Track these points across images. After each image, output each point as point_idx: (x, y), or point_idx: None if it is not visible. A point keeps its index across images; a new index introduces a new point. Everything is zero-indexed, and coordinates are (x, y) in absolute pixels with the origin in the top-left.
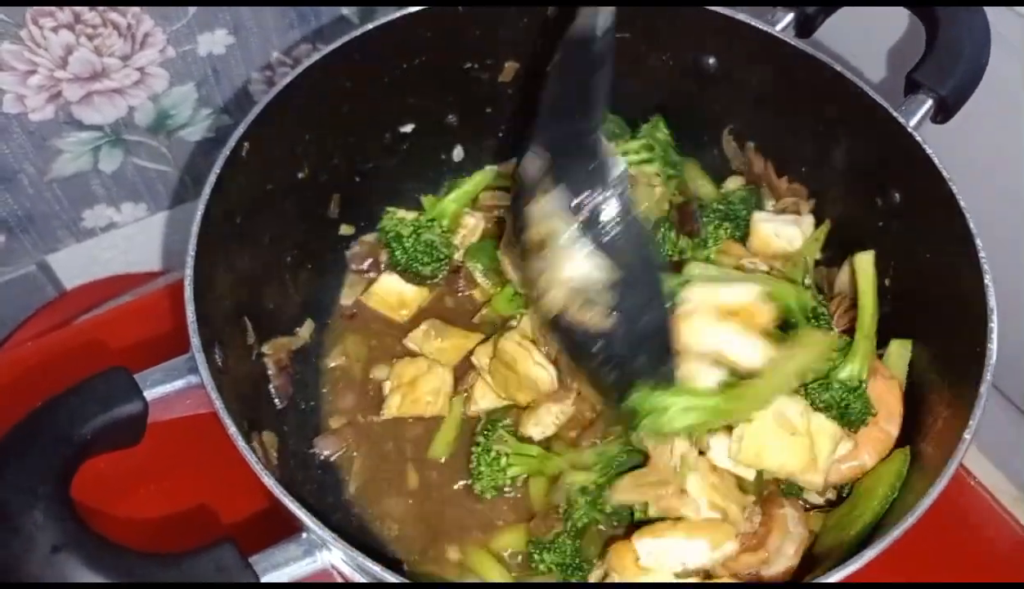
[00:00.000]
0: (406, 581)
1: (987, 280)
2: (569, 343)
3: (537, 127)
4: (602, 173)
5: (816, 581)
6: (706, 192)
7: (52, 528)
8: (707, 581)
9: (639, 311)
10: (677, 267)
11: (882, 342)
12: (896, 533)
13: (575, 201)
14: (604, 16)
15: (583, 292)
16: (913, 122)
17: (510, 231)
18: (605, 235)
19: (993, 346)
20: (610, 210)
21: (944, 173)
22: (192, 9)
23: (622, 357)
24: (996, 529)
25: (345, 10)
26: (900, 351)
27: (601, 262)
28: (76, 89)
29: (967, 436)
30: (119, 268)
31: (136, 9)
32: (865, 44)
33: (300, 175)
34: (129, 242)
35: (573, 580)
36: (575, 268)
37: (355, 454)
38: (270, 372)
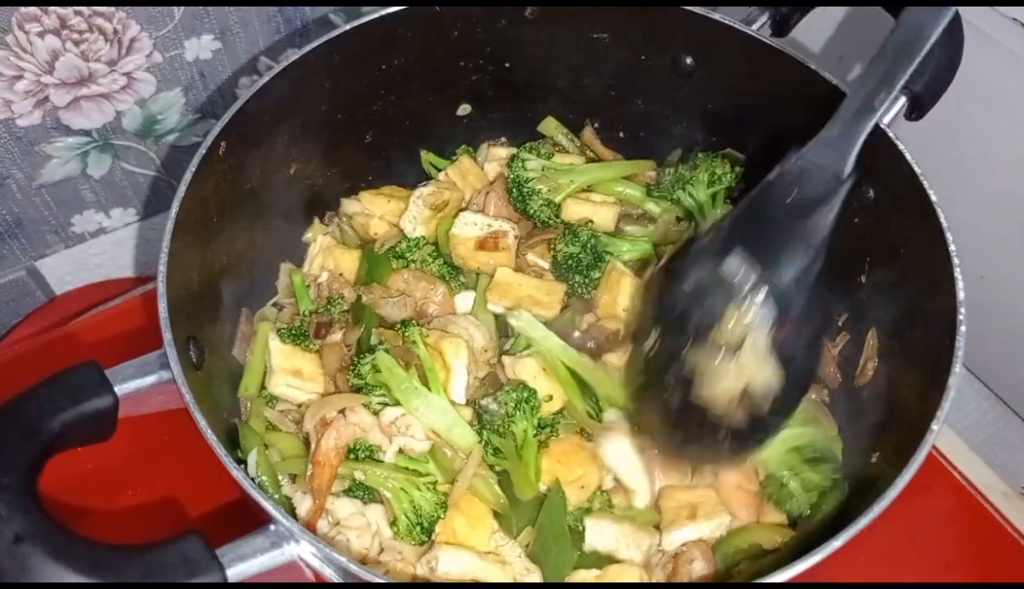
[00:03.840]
0: (375, 575)
1: (957, 273)
2: (687, 418)
3: (760, 238)
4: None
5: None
6: None
7: (16, 519)
8: (706, 581)
9: (775, 416)
10: None
11: (858, 335)
12: (865, 521)
13: (779, 313)
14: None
15: (750, 395)
16: (887, 119)
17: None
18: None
19: (962, 339)
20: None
21: (917, 169)
22: (178, 14)
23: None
24: (985, 526)
25: (331, 14)
26: None
27: (779, 373)
28: (63, 94)
29: (935, 427)
30: (109, 273)
31: (122, 14)
32: (839, 41)
33: (279, 175)
34: (119, 247)
35: None
36: (759, 374)
37: None
38: None
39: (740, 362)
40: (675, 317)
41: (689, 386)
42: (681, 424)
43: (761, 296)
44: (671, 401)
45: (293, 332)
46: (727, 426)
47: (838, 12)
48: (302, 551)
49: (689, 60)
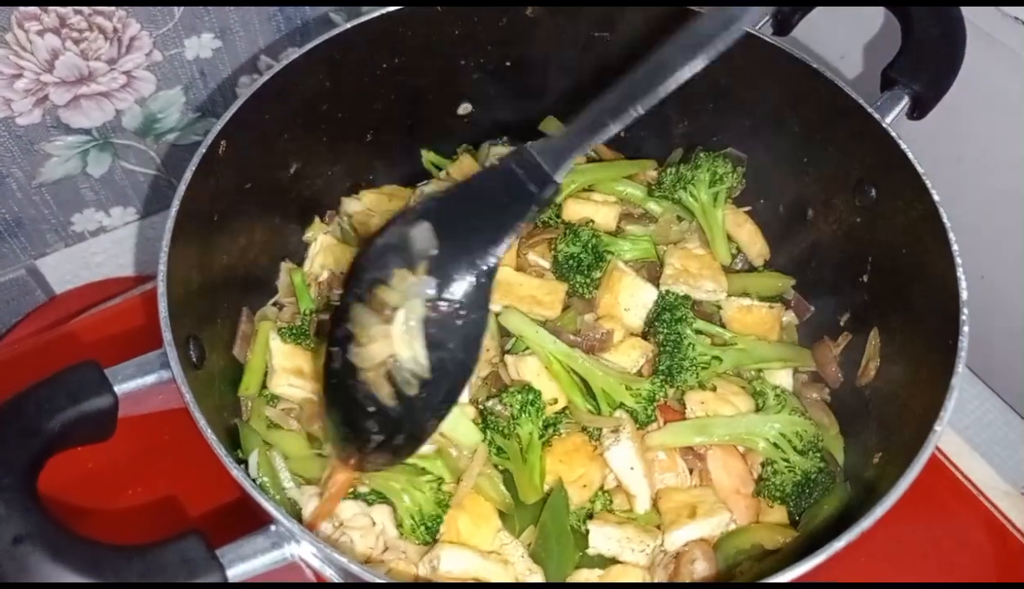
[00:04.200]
0: (376, 575)
1: (959, 273)
2: (351, 395)
3: (450, 210)
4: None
5: (785, 578)
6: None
7: (15, 519)
8: (708, 581)
9: (419, 412)
10: None
11: (861, 335)
12: (867, 522)
13: (441, 294)
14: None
15: (399, 369)
16: (889, 118)
17: (368, 257)
18: (445, 332)
19: (964, 339)
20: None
21: (919, 169)
22: (178, 13)
23: (378, 432)
24: (986, 525)
25: (332, 13)
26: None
27: (425, 359)
28: (63, 93)
29: (938, 427)
30: (109, 272)
31: (122, 12)
32: (841, 41)
33: (280, 174)
34: (119, 246)
35: None
36: (406, 347)
37: None
38: None
39: (393, 328)
40: (358, 270)
41: (350, 342)
42: (341, 395)
43: (425, 270)
44: (334, 360)
45: (294, 331)
46: (380, 404)
47: (839, 12)
48: (303, 551)
49: None
